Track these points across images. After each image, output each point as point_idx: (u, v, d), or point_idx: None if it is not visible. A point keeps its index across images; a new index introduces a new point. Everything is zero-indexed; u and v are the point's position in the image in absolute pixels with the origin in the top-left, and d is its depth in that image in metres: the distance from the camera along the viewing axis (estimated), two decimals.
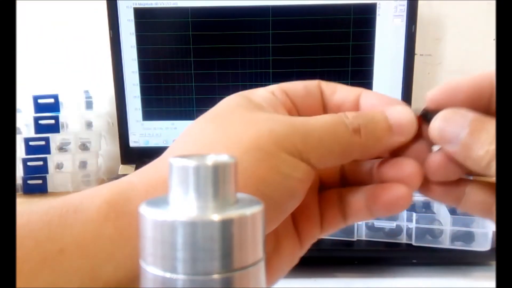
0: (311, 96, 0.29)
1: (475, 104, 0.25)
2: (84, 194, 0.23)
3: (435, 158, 0.26)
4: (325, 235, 0.30)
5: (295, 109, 0.29)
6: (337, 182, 0.30)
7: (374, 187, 0.27)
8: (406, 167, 0.26)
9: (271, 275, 0.27)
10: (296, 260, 0.29)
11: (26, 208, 0.22)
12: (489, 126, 0.23)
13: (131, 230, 0.21)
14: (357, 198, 0.28)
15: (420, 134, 0.27)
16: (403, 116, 0.26)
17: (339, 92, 0.29)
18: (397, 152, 0.27)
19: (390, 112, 0.26)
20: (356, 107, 0.28)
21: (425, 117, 0.27)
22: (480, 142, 0.23)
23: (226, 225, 0.15)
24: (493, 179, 0.23)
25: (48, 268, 0.19)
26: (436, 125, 0.25)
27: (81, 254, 0.20)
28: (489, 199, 0.26)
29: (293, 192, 0.24)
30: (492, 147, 0.23)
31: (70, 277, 0.20)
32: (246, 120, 0.25)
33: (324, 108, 0.29)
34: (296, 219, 0.29)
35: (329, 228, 0.29)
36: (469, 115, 0.24)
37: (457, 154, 0.25)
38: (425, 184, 0.27)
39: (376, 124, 0.26)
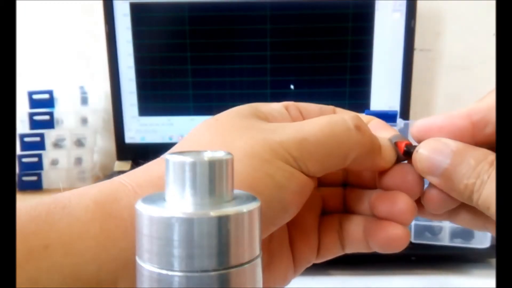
0: None
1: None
2: (73, 192, 0.22)
3: (431, 193, 0.26)
4: (320, 261, 0.29)
5: None
6: (339, 207, 0.29)
7: (371, 222, 0.26)
8: (399, 202, 0.26)
9: None
10: (287, 282, 0.28)
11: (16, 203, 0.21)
12: (470, 158, 0.23)
13: (117, 231, 0.21)
14: (356, 228, 0.27)
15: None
16: (388, 144, 0.27)
17: None
18: (389, 184, 0.27)
19: (379, 136, 0.27)
20: None
21: (408, 151, 0.26)
22: (459, 176, 0.23)
23: (223, 222, 0.15)
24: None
25: (32, 263, 0.19)
26: (417, 157, 0.25)
27: (65, 252, 0.20)
28: (480, 218, 0.26)
29: (285, 205, 0.23)
30: (471, 181, 0.23)
31: (52, 275, 0.19)
32: (242, 127, 0.25)
33: None
34: (293, 240, 0.28)
35: (326, 254, 0.28)
36: (451, 146, 0.24)
37: (441, 186, 0.25)
38: (421, 210, 0.27)
39: (372, 134, 0.26)
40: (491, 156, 0.23)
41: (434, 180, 0.25)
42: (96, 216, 0.21)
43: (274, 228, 0.24)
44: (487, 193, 0.22)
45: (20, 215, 0.20)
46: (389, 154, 0.26)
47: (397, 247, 0.25)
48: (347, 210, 0.29)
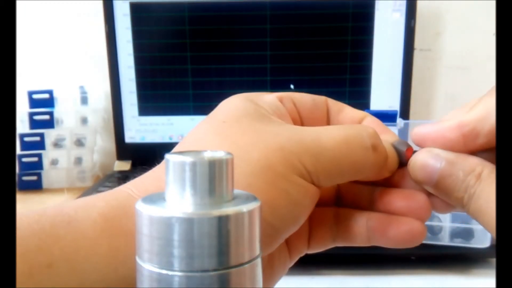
0: (317, 109, 0.29)
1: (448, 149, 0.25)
2: (79, 204, 0.21)
3: (435, 200, 0.26)
4: (313, 252, 0.29)
5: (300, 119, 0.28)
6: (332, 201, 0.29)
7: (381, 217, 0.26)
8: (417, 199, 0.26)
9: (265, 286, 0.27)
10: (286, 271, 0.28)
11: (17, 213, 0.20)
12: (459, 171, 0.23)
13: (126, 250, 0.20)
14: (358, 223, 0.27)
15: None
16: (391, 152, 0.26)
17: (345, 112, 0.29)
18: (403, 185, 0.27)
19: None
20: None
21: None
22: (450, 188, 0.24)
23: (223, 222, 0.15)
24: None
25: (34, 281, 0.18)
26: (411, 169, 0.26)
27: (70, 271, 0.19)
28: None
29: (298, 220, 0.23)
30: (460, 194, 0.23)
31: None
32: (254, 132, 0.24)
33: (328, 123, 0.29)
34: None
35: (316, 246, 0.28)
36: (441, 158, 0.24)
37: (437, 195, 0.25)
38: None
39: (385, 145, 0.26)
40: (479, 168, 0.23)
41: (430, 190, 0.25)
42: (104, 233, 0.20)
43: (282, 241, 0.24)
44: (474, 208, 0.23)
45: (22, 228, 0.19)
46: (391, 163, 0.26)
47: (416, 242, 0.26)
48: (342, 204, 0.29)
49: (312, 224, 0.28)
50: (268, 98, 0.27)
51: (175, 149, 0.25)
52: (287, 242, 0.28)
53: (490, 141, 0.24)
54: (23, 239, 0.19)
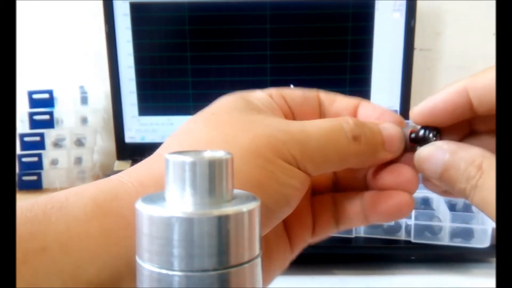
0: (308, 104, 0.29)
1: (456, 118, 0.26)
2: (70, 191, 0.22)
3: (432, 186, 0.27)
4: (316, 240, 0.30)
5: (292, 114, 0.29)
6: (330, 187, 0.30)
7: (373, 194, 0.27)
8: (404, 173, 0.27)
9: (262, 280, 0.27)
10: (286, 264, 0.29)
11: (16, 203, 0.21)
12: (460, 162, 0.24)
13: (117, 230, 0.20)
14: (353, 204, 0.28)
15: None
16: (394, 133, 0.27)
17: (338, 102, 0.29)
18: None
19: (383, 127, 0.27)
20: (353, 116, 0.29)
21: (414, 139, 0.27)
22: (453, 180, 0.24)
23: (223, 222, 0.15)
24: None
25: (29, 267, 0.19)
26: (416, 164, 0.26)
27: (64, 254, 0.19)
28: None
29: (288, 200, 0.24)
30: (462, 186, 0.24)
31: (51, 277, 0.19)
32: (244, 122, 0.25)
33: (321, 116, 0.29)
34: (288, 223, 0.29)
35: (321, 233, 0.29)
36: (444, 150, 0.25)
37: (442, 186, 0.26)
38: (428, 182, 0.28)
39: (374, 134, 0.26)
40: (479, 159, 0.23)
41: (437, 182, 0.26)
42: (96, 215, 0.20)
43: (277, 221, 0.24)
44: (478, 199, 0.23)
45: (16, 217, 0.20)
46: (395, 146, 0.27)
47: (405, 213, 0.27)
48: (338, 188, 0.30)
49: (315, 211, 0.29)
50: (259, 94, 0.28)
51: (165, 145, 0.25)
52: (288, 232, 0.29)
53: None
54: (17, 227, 0.19)
